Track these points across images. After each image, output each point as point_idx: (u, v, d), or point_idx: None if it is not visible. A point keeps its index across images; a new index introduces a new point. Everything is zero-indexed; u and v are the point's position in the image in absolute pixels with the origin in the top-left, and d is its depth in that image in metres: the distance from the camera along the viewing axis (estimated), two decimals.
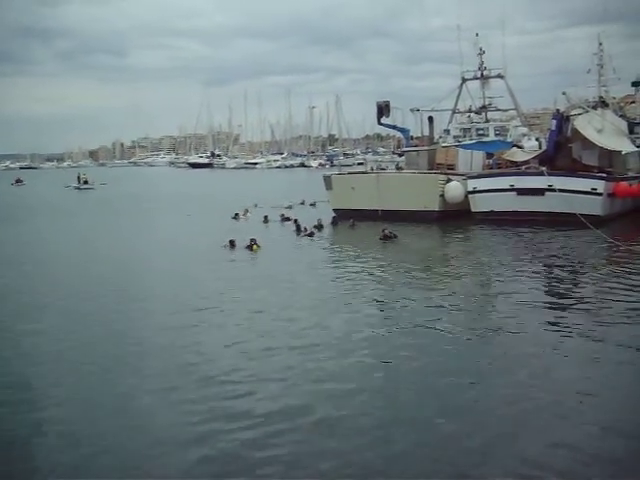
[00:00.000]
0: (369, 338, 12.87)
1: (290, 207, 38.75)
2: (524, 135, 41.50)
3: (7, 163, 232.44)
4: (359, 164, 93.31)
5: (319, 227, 29.80)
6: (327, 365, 11.30)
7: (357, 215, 31.55)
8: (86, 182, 75.35)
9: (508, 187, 30.85)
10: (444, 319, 14.00)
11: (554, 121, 32.16)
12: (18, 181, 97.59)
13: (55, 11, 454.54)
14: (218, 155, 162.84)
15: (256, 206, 39.57)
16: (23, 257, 24.43)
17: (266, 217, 33.89)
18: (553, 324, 13.55)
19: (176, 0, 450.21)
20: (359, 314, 14.75)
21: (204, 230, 31.35)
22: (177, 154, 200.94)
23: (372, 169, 39.48)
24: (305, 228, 28.68)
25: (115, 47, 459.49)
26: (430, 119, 43.00)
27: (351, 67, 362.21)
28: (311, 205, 39.29)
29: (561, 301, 15.81)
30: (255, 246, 24.40)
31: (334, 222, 31.94)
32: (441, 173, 33.18)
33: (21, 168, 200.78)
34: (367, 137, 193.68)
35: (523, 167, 32.70)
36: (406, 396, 9.94)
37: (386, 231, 26.42)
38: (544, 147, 34.38)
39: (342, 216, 32.82)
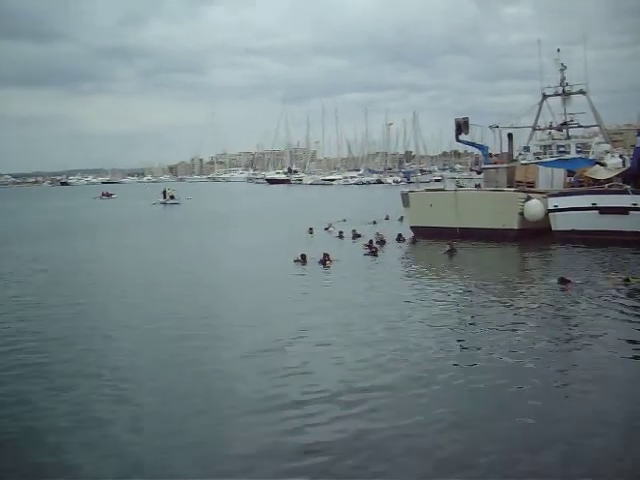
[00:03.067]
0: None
1: (375, 222, 39.54)
2: (607, 152, 40.64)
3: (89, 178, 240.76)
4: (436, 181, 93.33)
5: (381, 243, 30.02)
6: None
7: (435, 233, 31.50)
8: (172, 197, 77.08)
9: (590, 205, 30.16)
10: (520, 341, 13.76)
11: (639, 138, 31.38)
12: (107, 194, 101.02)
13: (136, 31, 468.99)
14: (295, 171, 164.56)
15: (345, 221, 40.35)
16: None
17: (341, 233, 34.26)
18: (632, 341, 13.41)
19: (253, 20, 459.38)
20: (447, 335, 14.58)
21: (281, 244, 31.90)
22: (255, 170, 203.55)
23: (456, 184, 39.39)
24: (370, 245, 28.59)
25: (194, 66, 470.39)
26: (509, 136, 42.47)
27: (428, 84, 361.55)
28: (399, 220, 39.07)
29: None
30: (328, 261, 24.70)
31: (413, 240, 31.98)
32: (521, 191, 32.69)
33: (103, 183, 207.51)
34: (444, 154, 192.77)
35: (606, 185, 31.93)
36: None
37: (452, 244, 27.43)
38: (628, 164, 33.54)
39: (419, 233, 33.00)
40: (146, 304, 18.58)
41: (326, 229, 36.65)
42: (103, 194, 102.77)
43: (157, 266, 26.62)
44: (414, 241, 32.02)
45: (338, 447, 8.92)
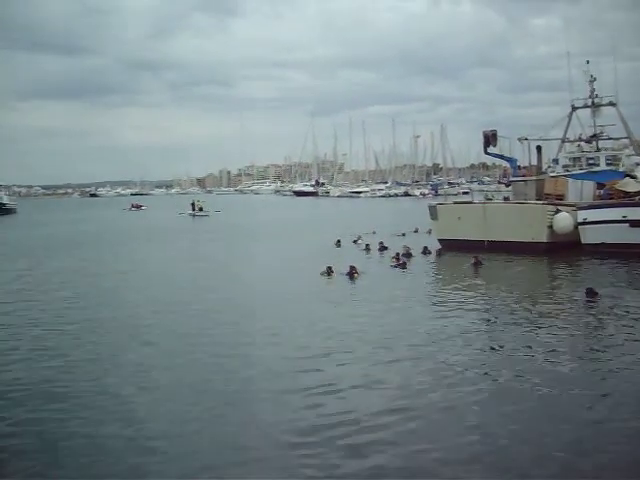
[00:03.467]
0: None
1: (403, 235, 39.68)
2: (637, 164, 40.16)
3: (118, 189, 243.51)
4: (464, 193, 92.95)
5: (408, 255, 29.93)
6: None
7: (463, 246, 31.44)
8: (201, 209, 77.55)
9: (620, 218, 29.89)
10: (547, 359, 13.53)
11: None
12: (136, 206, 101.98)
13: (165, 44, 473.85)
14: (323, 184, 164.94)
15: (374, 233, 40.44)
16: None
17: (367, 245, 34.29)
18: None
19: (281, 33, 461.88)
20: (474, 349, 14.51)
21: (308, 256, 31.95)
22: (282, 182, 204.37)
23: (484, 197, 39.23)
24: (398, 258, 28.52)
25: (222, 78, 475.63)
26: (538, 148, 42.19)
27: (456, 96, 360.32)
28: (428, 233, 38.79)
29: None
30: (356, 274, 24.70)
31: (439, 253, 31.89)
32: (550, 204, 32.50)
33: (131, 194, 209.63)
34: (472, 166, 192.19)
35: (636, 198, 31.64)
36: None
37: (478, 257, 27.47)
38: None
39: (447, 246, 32.97)
40: (173, 319, 18.54)
41: (355, 241, 36.70)
42: (133, 206, 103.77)
43: (185, 279, 26.72)
44: (440, 254, 31.91)
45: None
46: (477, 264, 27.30)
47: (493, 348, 14.56)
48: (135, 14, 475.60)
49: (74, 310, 20.01)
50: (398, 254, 29.19)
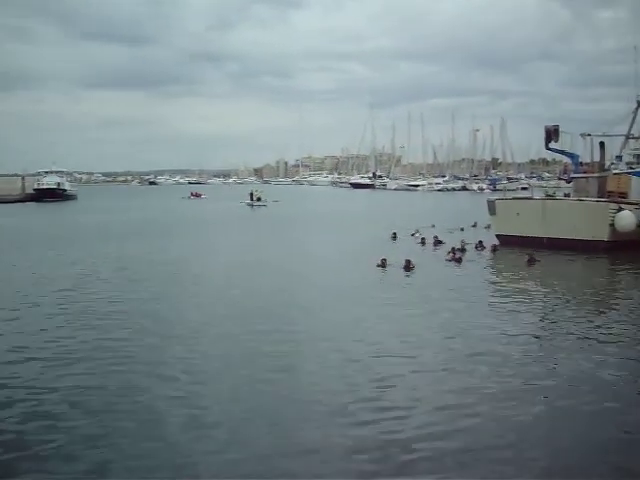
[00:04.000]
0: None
1: (462, 229, 39.71)
2: None
3: (177, 178, 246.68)
4: (523, 189, 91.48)
5: (462, 250, 29.68)
6: None
7: (521, 242, 31.08)
8: (259, 199, 78.13)
9: None
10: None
11: None
12: (196, 195, 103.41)
13: (226, 35, 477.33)
14: (380, 176, 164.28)
15: (433, 226, 40.27)
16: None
17: (423, 239, 34.30)
18: None
19: (342, 24, 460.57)
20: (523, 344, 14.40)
21: (364, 248, 32.13)
22: (339, 174, 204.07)
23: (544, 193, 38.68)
24: (454, 253, 28.36)
25: (281, 69, 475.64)
26: (601, 144, 41.26)
27: (516, 90, 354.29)
28: (486, 228, 38.20)
29: None
30: (412, 267, 24.81)
31: (494, 248, 31.57)
32: (612, 201, 31.83)
33: (189, 183, 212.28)
34: (532, 162, 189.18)
35: None
36: None
37: (532, 254, 27.25)
38: None
39: (505, 242, 32.57)
40: (229, 309, 18.74)
41: (413, 235, 36.52)
42: (192, 194, 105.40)
43: (245, 269, 26.88)
44: (495, 249, 31.61)
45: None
46: (531, 261, 27.02)
47: (549, 347, 14.41)
48: (197, 5, 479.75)
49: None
50: (454, 248, 29.08)
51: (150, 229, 46.20)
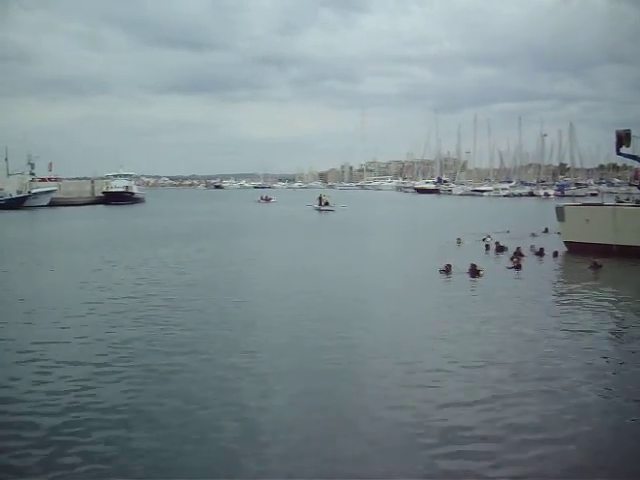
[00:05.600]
0: None
1: (534, 235, 39.55)
2: None
3: (242, 182, 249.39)
4: (592, 195, 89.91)
5: (519, 255, 29.27)
6: None
7: (590, 249, 30.47)
8: (327, 204, 78.13)
9: None
10: None
11: None
12: (266, 199, 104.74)
13: (291, 40, 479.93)
14: (445, 181, 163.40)
15: (508, 232, 40.59)
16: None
17: (487, 245, 34.13)
18: None
19: (407, 28, 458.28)
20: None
21: (430, 252, 32.41)
22: (404, 179, 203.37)
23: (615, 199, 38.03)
24: (516, 259, 28.13)
25: (346, 74, 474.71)
26: None
27: (584, 94, 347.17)
28: (558, 234, 37.27)
29: None
30: (481, 271, 24.76)
31: (555, 254, 31.33)
32: None
33: (255, 187, 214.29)
34: (601, 167, 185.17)
35: None
36: None
37: (596, 260, 27.02)
38: None
39: (574, 249, 32.06)
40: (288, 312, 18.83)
41: (483, 240, 36.15)
42: (262, 198, 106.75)
43: (315, 271, 27.48)
44: (556, 255, 31.22)
45: None
46: (595, 267, 26.70)
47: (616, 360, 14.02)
48: (262, 10, 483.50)
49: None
50: (515, 254, 29.10)
51: (238, 231, 47.92)
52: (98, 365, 13.07)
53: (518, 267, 27.13)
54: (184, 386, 11.85)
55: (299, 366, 13.15)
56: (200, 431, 9.79)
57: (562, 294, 22.75)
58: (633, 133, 37.68)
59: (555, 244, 33.27)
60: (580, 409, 10.77)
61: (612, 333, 16.48)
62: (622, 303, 20.31)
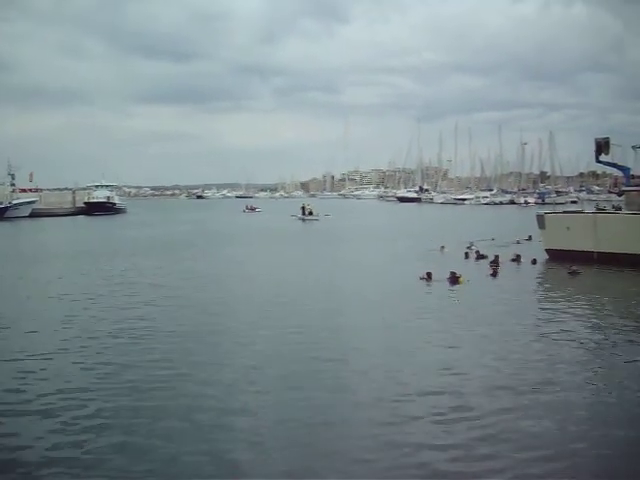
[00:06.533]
0: None
1: (518, 242, 40.02)
2: None
3: (224, 192, 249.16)
4: (572, 202, 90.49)
5: (495, 263, 29.71)
6: None
7: (570, 256, 30.77)
8: (311, 213, 78.05)
9: None
10: None
11: None
12: (251, 208, 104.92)
13: (273, 50, 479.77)
14: (426, 190, 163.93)
15: (493, 240, 41.13)
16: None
17: (467, 253, 34.35)
18: None
19: (387, 38, 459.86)
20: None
21: (410, 261, 32.58)
22: (385, 188, 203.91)
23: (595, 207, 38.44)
24: (494, 266, 28.72)
25: (328, 84, 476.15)
26: None
27: (567, 102, 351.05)
28: (540, 241, 37.62)
29: None
30: (461, 279, 24.95)
31: (534, 262, 31.80)
32: None
33: (237, 197, 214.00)
34: (581, 175, 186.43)
35: None
36: None
37: (574, 267, 27.72)
38: None
39: (554, 256, 32.42)
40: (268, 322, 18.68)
41: (468, 248, 36.04)
42: (247, 207, 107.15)
43: (308, 279, 27.78)
44: (534, 262, 31.73)
45: None
46: (573, 274, 27.32)
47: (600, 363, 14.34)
48: (243, 20, 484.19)
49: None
50: (492, 262, 29.60)
51: (224, 240, 48.64)
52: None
53: (494, 274, 27.59)
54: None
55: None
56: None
57: (539, 300, 23.21)
58: (612, 141, 38.13)
59: (538, 251, 33.68)
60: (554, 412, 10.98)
61: (582, 340, 16.26)
62: (597, 309, 20.60)
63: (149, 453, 9.44)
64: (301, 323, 18.07)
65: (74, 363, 14.11)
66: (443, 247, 36.82)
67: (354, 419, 10.87)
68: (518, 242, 40.02)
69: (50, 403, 11.48)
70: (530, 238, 41.37)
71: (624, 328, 17.46)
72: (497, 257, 30.53)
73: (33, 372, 13.40)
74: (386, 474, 8.82)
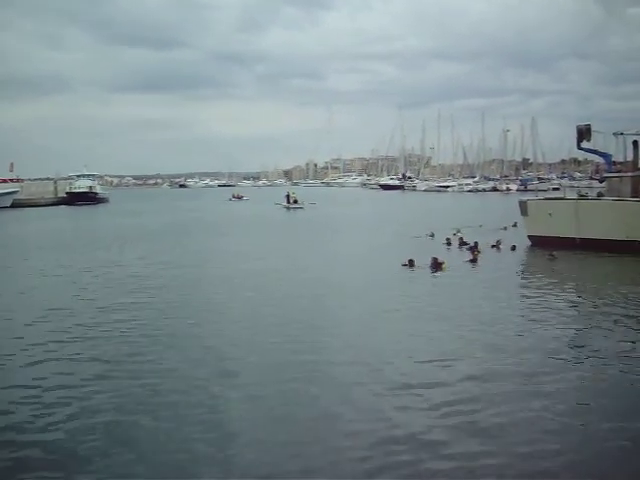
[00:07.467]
0: None
1: (505, 229, 40.42)
2: None
3: (207, 181, 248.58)
4: (554, 189, 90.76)
5: (473, 248, 29.73)
6: None
7: (553, 242, 30.91)
8: (296, 201, 77.55)
9: None
10: None
11: None
12: (238, 197, 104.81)
13: (256, 37, 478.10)
14: (409, 177, 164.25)
15: (481, 226, 41.60)
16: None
17: (448, 240, 34.42)
18: None
19: (372, 25, 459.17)
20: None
21: (396, 247, 32.94)
22: (368, 175, 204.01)
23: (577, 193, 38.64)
24: (475, 253, 28.72)
25: (311, 71, 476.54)
26: (635, 143, 40.60)
27: (549, 89, 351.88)
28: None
29: None
30: (443, 265, 25.09)
31: (513, 248, 31.98)
32: None
33: (219, 185, 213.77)
34: (563, 162, 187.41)
35: None
36: None
37: (553, 253, 28.41)
38: None
39: (537, 243, 32.50)
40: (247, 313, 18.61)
41: (454, 234, 35.97)
42: (234, 196, 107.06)
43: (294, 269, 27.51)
44: (514, 249, 31.90)
45: None
46: (551, 259, 27.92)
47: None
48: (225, 7, 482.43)
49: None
50: (473, 248, 29.68)
51: (213, 229, 48.85)
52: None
53: (474, 260, 27.70)
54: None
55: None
56: None
57: (519, 285, 23.52)
58: (594, 128, 38.13)
59: (523, 238, 33.90)
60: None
61: (560, 326, 16.17)
62: (574, 291, 21.14)
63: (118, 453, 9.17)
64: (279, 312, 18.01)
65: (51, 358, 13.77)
66: (432, 234, 37.02)
67: (338, 413, 10.54)
68: (505, 228, 40.36)
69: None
70: (516, 225, 41.41)
71: (605, 309, 17.80)
72: (476, 243, 30.63)
73: None
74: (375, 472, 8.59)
